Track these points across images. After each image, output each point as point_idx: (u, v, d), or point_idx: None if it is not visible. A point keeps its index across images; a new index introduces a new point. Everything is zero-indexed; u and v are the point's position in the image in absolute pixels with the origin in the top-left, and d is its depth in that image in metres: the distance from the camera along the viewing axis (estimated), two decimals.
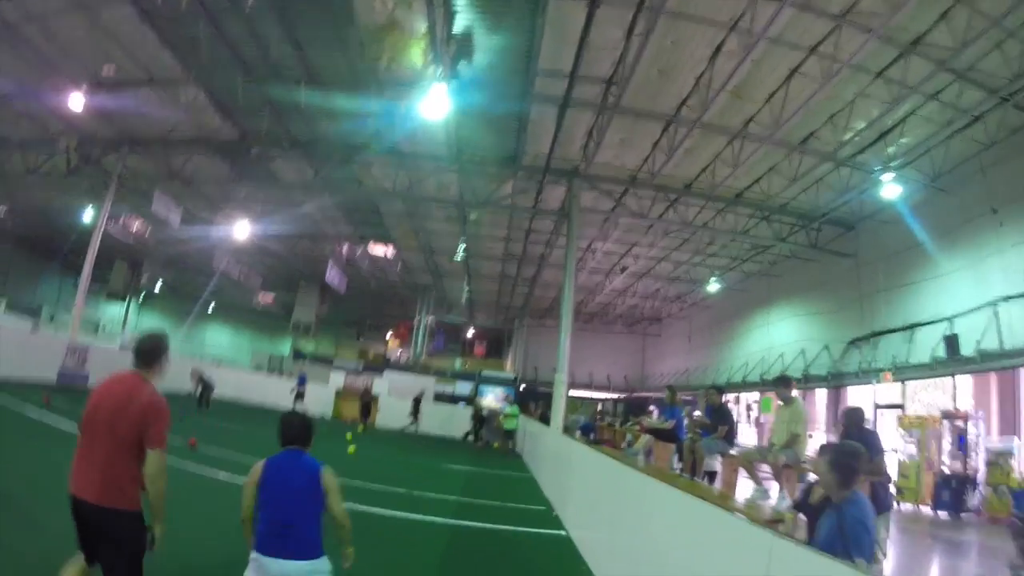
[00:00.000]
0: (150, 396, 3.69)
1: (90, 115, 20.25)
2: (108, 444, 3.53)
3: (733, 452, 9.69)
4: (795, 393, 8.63)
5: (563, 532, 9.39)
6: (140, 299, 52.90)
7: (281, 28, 14.25)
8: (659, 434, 11.28)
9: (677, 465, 11.21)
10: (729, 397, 23.54)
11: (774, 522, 4.88)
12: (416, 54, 13.60)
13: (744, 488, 8.73)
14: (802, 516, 5.02)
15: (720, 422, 9.44)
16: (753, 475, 8.14)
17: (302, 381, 26.53)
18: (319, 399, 28.96)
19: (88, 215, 28.35)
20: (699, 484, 8.78)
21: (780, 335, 25.03)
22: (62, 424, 11.97)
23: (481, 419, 26.36)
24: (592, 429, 21.96)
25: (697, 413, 12.22)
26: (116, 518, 3.52)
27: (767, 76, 13.50)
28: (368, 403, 26.80)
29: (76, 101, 17.92)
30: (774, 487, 7.88)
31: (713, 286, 27.47)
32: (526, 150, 18.09)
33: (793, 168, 16.84)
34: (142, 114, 19.74)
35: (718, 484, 9.55)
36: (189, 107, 18.76)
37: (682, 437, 11.15)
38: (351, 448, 13.18)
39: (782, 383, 8.47)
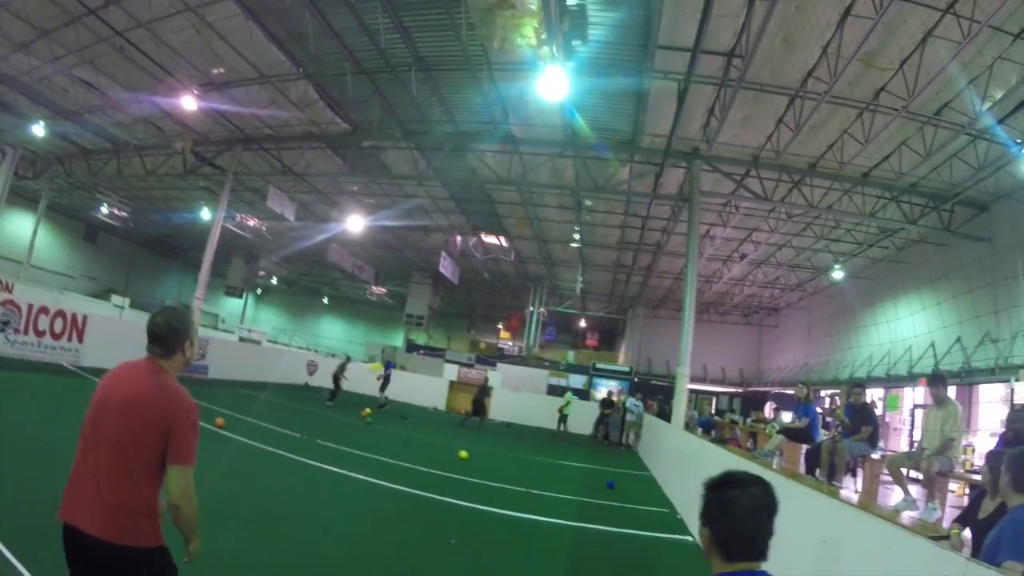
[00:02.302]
0: (172, 393, 2.79)
1: (204, 116, 21.02)
2: (115, 458, 2.62)
3: (876, 456, 8.84)
4: (951, 393, 7.69)
5: (689, 538, 8.79)
6: (258, 293, 55.28)
7: (388, 16, 13.96)
8: (792, 434, 10.48)
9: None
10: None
11: (936, 539, 4.18)
12: (529, 33, 13.07)
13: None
14: (967, 532, 4.38)
15: (863, 422, 8.60)
16: (900, 482, 7.31)
17: (388, 366, 26.41)
18: (434, 390, 29.22)
19: (205, 213, 29.41)
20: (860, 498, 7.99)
21: (907, 327, 23.07)
22: None
23: (605, 414, 25.72)
24: (712, 426, 20.99)
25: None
26: (124, 558, 2.59)
27: (900, 40, 12.31)
28: (482, 400, 25.54)
29: (189, 103, 18.47)
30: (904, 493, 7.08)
31: (837, 274, 25.67)
32: (644, 131, 17.27)
33: (926, 142, 15.32)
34: (254, 112, 20.10)
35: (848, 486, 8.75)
36: (299, 102, 18.93)
37: (816, 437, 10.33)
38: (463, 454, 12.90)
39: (937, 381, 7.58)
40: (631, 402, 24.99)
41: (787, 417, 16.67)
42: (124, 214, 36.26)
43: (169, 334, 2.96)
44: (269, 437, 11.97)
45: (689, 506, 9.71)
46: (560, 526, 8.64)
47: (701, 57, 12.94)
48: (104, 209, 35.54)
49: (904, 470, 7.41)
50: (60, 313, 17.16)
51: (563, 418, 24.80)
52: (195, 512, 2.72)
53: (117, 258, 45.35)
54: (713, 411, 29.02)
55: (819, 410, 11.56)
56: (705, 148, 16.96)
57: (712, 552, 1.89)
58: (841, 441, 8.64)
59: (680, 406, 16.11)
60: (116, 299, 36.73)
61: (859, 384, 10.04)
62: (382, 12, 13.89)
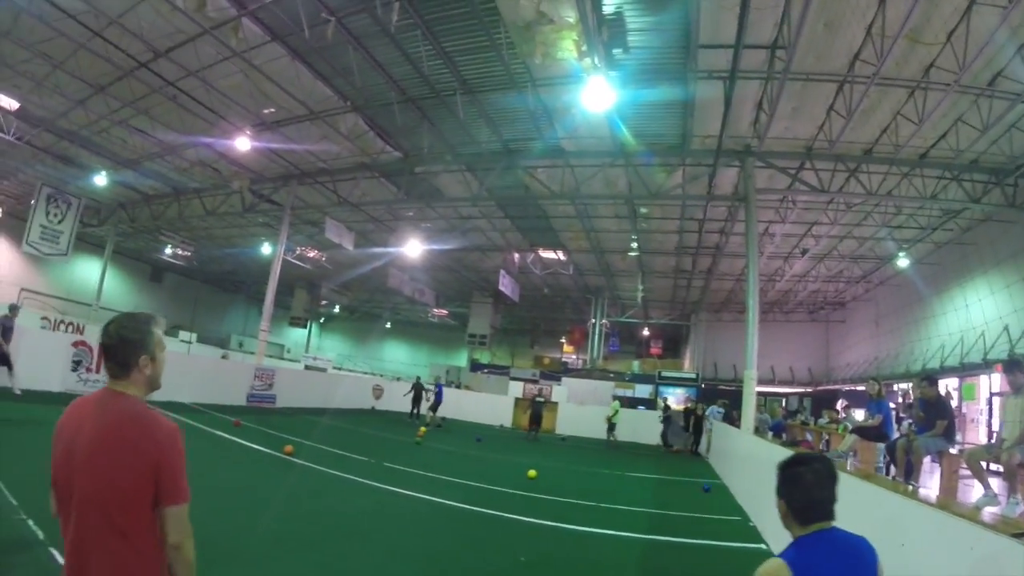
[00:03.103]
0: (145, 424, 2.23)
1: (258, 155, 21.68)
2: (92, 517, 2.11)
3: (954, 451, 8.48)
4: None
5: (763, 546, 8.56)
6: (321, 322, 56.32)
7: (429, 43, 14.17)
8: (865, 433, 10.14)
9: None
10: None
11: (1020, 535, 3.97)
12: (569, 46, 13.06)
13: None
14: None
15: (938, 416, 8.24)
16: (980, 476, 6.98)
17: (439, 388, 26.28)
18: (499, 408, 29.27)
19: (266, 248, 30.14)
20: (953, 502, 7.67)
21: (978, 312, 22.12)
22: (249, 443, 12.98)
23: (668, 419, 25.38)
24: (783, 429, 20.41)
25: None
26: None
27: (944, 12, 11.89)
28: (539, 410, 25.71)
29: (243, 144, 19.21)
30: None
31: (902, 261, 24.77)
32: (694, 133, 17.07)
33: (982, 116, 14.67)
34: (306, 148, 20.63)
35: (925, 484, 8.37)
36: (350, 134, 19.35)
37: (891, 434, 9.97)
38: (532, 473, 12.85)
39: (1014, 367, 7.23)
40: (712, 410, 24.57)
41: (859, 415, 16.19)
42: (187, 253, 37.65)
43: (120, 346, 2.35)
44: (338, 462, 12.12)
45: (762, 513, 9.46)
46: (630, 539, 8.51)
47: (744, 52, 12.79)
48: (168, 250, 37.07)
49: (984, 464, 7.08)
50: None
51: (611, 427, 24.57)
52: (194, 557, 2.25)
53: (183, 296, 47.16)
54: (784, 413, 28.32)
55: (892, 406, 11.09)
56: (756, 144, 16.66)
57: (789, 519, 2.38)
58: (916, 438, 8.31)
59: (748, 410, 15.76)
60: (183, 335, 38.35)
61: (929, 376, 9.62)
62: (423, 41, 14.10)
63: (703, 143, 17.46)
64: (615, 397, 26.28)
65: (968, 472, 7.55)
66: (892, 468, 9.31)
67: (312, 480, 10.26)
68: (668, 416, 25.51)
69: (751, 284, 17.13)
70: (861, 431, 10.24)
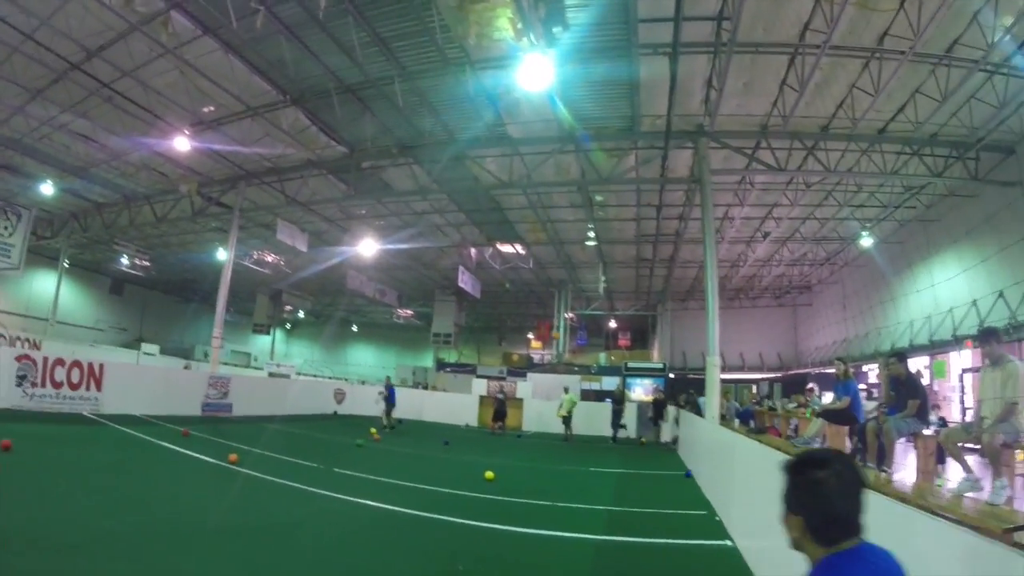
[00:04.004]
0: None
1: (204, 156, 21.11)
2: None
3: (928, 432, 7.95)
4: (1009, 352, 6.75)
5: (728, 542, 7.98)
6: (287, 328, 55.52)
7: (361, 29, 13.61)
8: (833, 416, 9.60)
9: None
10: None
11: (1013, 530, 3.35)
12: (504, 24, 12.42)
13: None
14: None
15: (909, 395, 7.69)
16: (960, 459, 6.43)
17: (391, 391, 24.93)
18: (464, 407, 28.68)
19: (221, 254, 29.43)
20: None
21: (946, 288, 21.93)
22: (195, 453, 12.30)
23: (618, 411, 24.47)
24: (751, 416, 20.04)
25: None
26: None
27: None
28: (501, 407, 25.59)
29: (182, 144, 18.65)
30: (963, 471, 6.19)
31: (865, 241, 24.47)
32: (643, 114, 16.46)
33: (940, 85, 14.29)
34: (250, 146, 19.87)
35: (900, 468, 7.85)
36: (291, 130, 18.69)
37: (860, 417, 9.45)
38: (489, 475, 12.18)
39: (989, 337, 6.66)
40: (703, 400, 24.00)
41: (828, 398, 15.77)
42: (145, 263, 37.27)
43: None
44: (283, 469, 11.38)
45: (728, 506, 8.90)
46: (584, 541, 7.86)
47: (687, 25, 12.32)
48: (125, 260, 36.45)
49: (962, 444, 6.54)
50: (76, 364, 17.00)
51: (567, 420, 23.83)
52: None
53: (144, 307, 46.64)
54: (755, 399, 27.99)
55: (862, 387, 10.58)
56: (708, 123, 16.14)
57: (805, 539, 1.81)
58: (887, 420, 7.74)
59: (713, 398, 15.25)
60: (146, 347, 37.89)
61: (898, 353, 9.09)
62: (355, 27, 13.53)
63: (653, 124, 16.94)
64: (566, 390, 25.36)
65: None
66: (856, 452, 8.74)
67: (250, 488, 9.55)
68: (619, 406, 24.57)
69: (709, 268, 16.67)
70: (828, 414, 9.70)
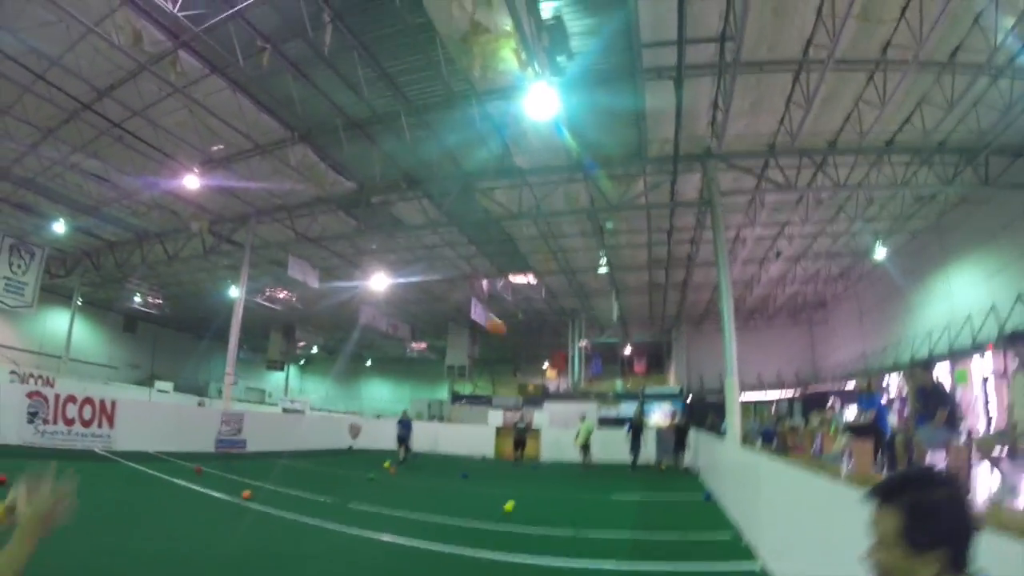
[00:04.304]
0: None
1: (214, 194, 21.26)
2: None
3: (960, 440, 7.73)
4: None
5: (756, 565, 7.72)
6: (300, 364, 55.52)
7: (366, 65, 13.75)
8: (859, 431, 9.38)
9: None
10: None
11: None
12: (509, 55, 12.44)
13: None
14: None
15: (938, 404, 7.50)
16: (996, 465, 6.23)
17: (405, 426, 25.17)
18: (480, 439, 28.43)
19: (234, 291, 29.54)
20: None
21: (964, 295, 21.58)
22: (207, 489, 12.12)
23: (637, 434, 24.01)
24: (773, 435, 19.71)
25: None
26: None
27: None
28: (523, 433, 25.75)
29: (192, 182, 18.65)
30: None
31: (879, 252, 24.11)
32: (650, 139, 16.47)
33: (946, 92, 14.16)
34: (259, 183, 19.98)
35: None
36: (300, 166, 18.70)
37: (886, 430, 9.23)
38: (508, 506, 11.95)
39: (1017, 341, 6.50)
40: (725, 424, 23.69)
41: (850, 414, 15.47)
42: (158, 301, 37.98)
43: None
44: (297, 504, 11.18)
45: (755, 528, 8.65)
46: (608, 571, 7.64)
47: (692, 47, 12.30)
48: (137, 299, 37.15)
49: (997, 451, 6.33)
50: (88, 401, 17.02)
51: (585, 449, 23.60)
52: None
53: (158, 345, 46.84)
54: (775, 418, 27.62)
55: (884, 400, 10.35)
56: (716, 145, 16.07)
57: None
58: (916, 431, 7.53)
59: (734, 419, 14.98)
60: (160, 384, 38.04)
61: (923, 363, 8.90)
62: (360, 63, 13.65)
63: (661, 148, 16.94)
64: (583, 418, 25.06)
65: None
66: (886, 467, 8.52)
67: (262, 524, 9.37)
68: (636, 430, 24.19)
69: (724, 289, 16.48)
70: (854, 429, 9.47)
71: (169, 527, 8.65)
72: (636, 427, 24.23)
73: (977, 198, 19.30)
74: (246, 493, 11.47)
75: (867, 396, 9.41)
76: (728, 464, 12.96)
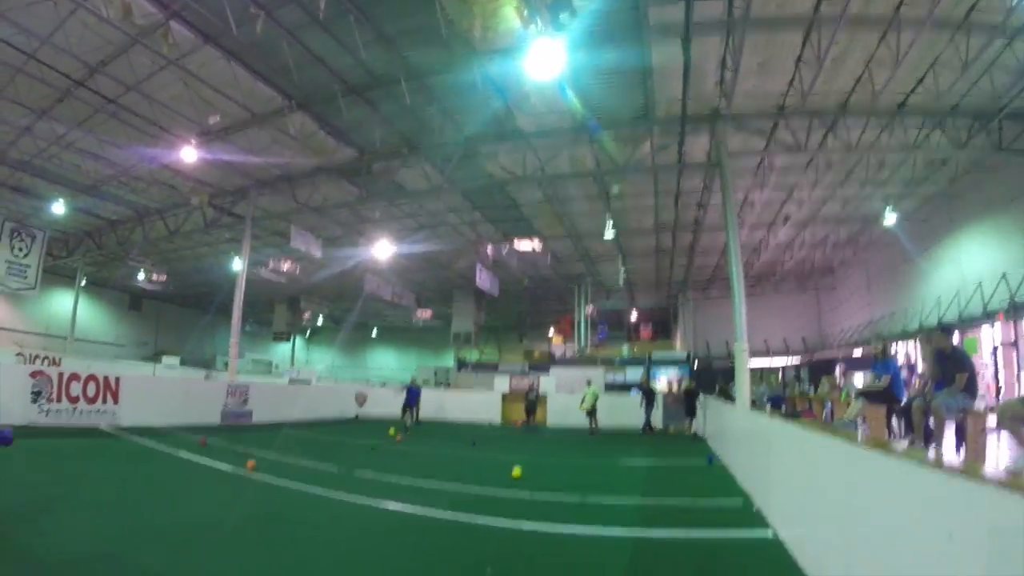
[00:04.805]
0: None
1: (213, 167, 21.12)
2: None
3: (979, 407, 7.54)
4: None
5: (768, 532, 7.59)
6: (307, 335, 55.60)
7: (363, 28, 13.39)
8: (873, 396, 9.18)
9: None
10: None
11: None
12: (510, 13, 12.10)
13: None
14: None
15: (957, 369, 7.29)
16: (1017, 434, 6.03)
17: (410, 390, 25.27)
18: (487, 405, 28.40)
19: (237, 264, 29.45)
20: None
21: (974, 262, 21.46)
22: (211, 461, 11.99)
23: (650, 399, 24.07)
24: (782, 401, 19.57)
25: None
26: None
27: None
28: (533, 402, 25.84)
29: (189, 155, 18.36)
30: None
31: (889, 217, 23.76)
32: (657, 99, 16.09)
33: (961, 53, 13.84)
34: (258, 155, 19.80)
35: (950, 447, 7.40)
36: (299, 135, 18.41)
37: (901, 396, 9.04)
38: (516, 472, 11.83)
39: None
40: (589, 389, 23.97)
41: (859, 380, 15.31)
42: (162, 278, 37.91)
43: None
44: (302, 474, 11.09)
45: (767, 495, 8.50)
46: (617, 538, 7.50)
47: (698, 5, 11.97)
48: (141, 276, 36.97)
49: (1019, 420, 6.13)
50: (92, 378, 16.88)
51: (591, 413, 23.41)
52: None
53: (165, 322, 47.64)
54: (782, 384, 27.52)
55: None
56: (725, 105, 15.71)
57: None
58: (935, 397, 7.34)
59: (743, 384, 14.83)
60: (167, 359, 38.19)
61: (944, 327, 8.70)
62: (357, 26, 13.28)
63: (668, 110, 16.56)
64: (589, 383, 25.00)
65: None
66: (901, 433, 8.33)
67: (266, 494, 9.26)
68: (649, 395, 24.24)
69: (732, 252, 16.28)
70: (869, 395, 9.28)
71: (171, 500, 8.53)
72: (646, 391, 24.29)
73: (989, 164, 19.00)
74: (250, 464, 11.36)
75: (882, 361, 9.20)
76: (737, 430, 12.81)
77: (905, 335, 24.89)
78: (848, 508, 4.89)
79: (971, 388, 7.37)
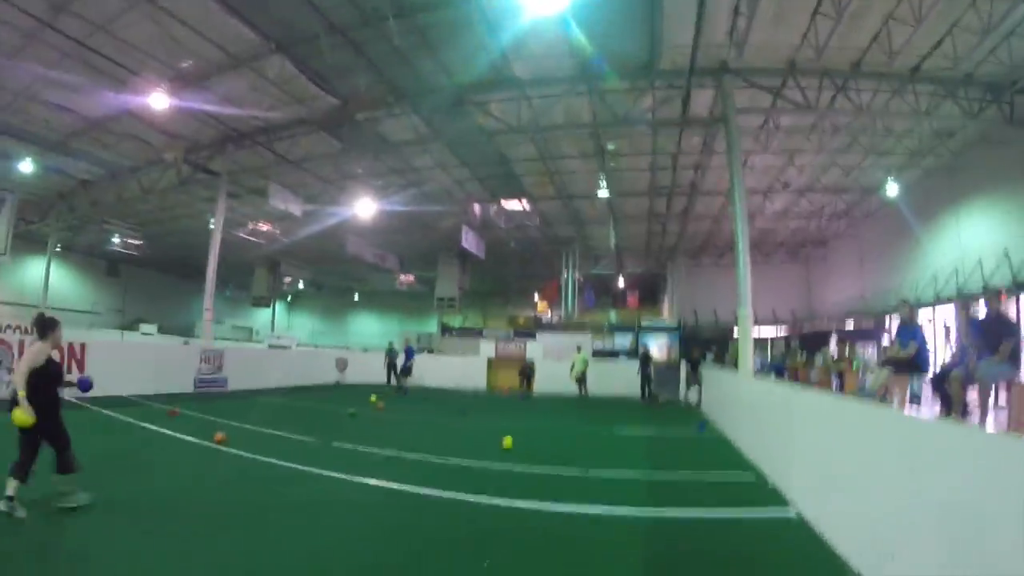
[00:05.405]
0: None
1: (188, 119, 19.95)
2: None
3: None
4: None
5: (789, 511, 6.91)
6: (288, 300, 54.69)
7: None
8: (900, 365, 8.46)
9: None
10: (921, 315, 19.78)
11: None
12: None
13: None
14: None
15: (1002, 336, 6.56)
16: None
17: (409, 355, 25.39)
18: (472, 371, 27.83)
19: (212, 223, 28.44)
20: None
21: (975, 238, 20.68)
22: (180, 434, 11.11)
23: (644, 366, 23.67)
24: (783, 370, 19.01)
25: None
26: None
27: None
28: (528, 372, 25.73)
29: (160, 101, 17.15)
30: None
31: (891, 189, 22.95)
32: (662, 46, 14.98)
33: (982, 17, 13.01)
34: (235, 103, 18.60)
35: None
36: (279, 81, 17.31)
37: (925, 366, 8.34)
38: (507, 442, 11.10)
39: None
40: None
41: (869, 351, 14.71)
42: (139, 242, 36.88)
43: None
44: (275, 446, 10.30)
45: (785, 470, 7.80)
46: (627, 518, 6.77)
47: None
48: (117, 240, 36.04)
49: None
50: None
51: (580, 381, 23.26)
52: None
53: (143, 288, 46.15)
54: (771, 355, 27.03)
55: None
56: (735, 57, 14.83)
57: None
58: (977, 366, 6.60)
59: (747, 352, 14.19)
60: (145, 327, 37.76)
61: (991, 290, 7.96)
62: None
63: (674, 61, 15.56)
64: (579, 349, 24.52)
65: None
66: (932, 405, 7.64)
67: (234, 470, 8.52)
68: (644, 362, 23.79)
69: (738, 213, 15.57)
70: (895, 363, 8.55)
71: (131, 476, 7.83)
72: (644, 359, 23.98)
73: (998, 137, 18.25)
74: (218, 436, 10.54)
75: (909, 328, 8.49)
76: (744, 399, 12.09)
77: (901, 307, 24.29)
78: (883, 480, 4.58)
79: (1015, 357, 6.68)
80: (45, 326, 6.42)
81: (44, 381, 6.13)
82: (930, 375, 9.15)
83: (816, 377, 17.29)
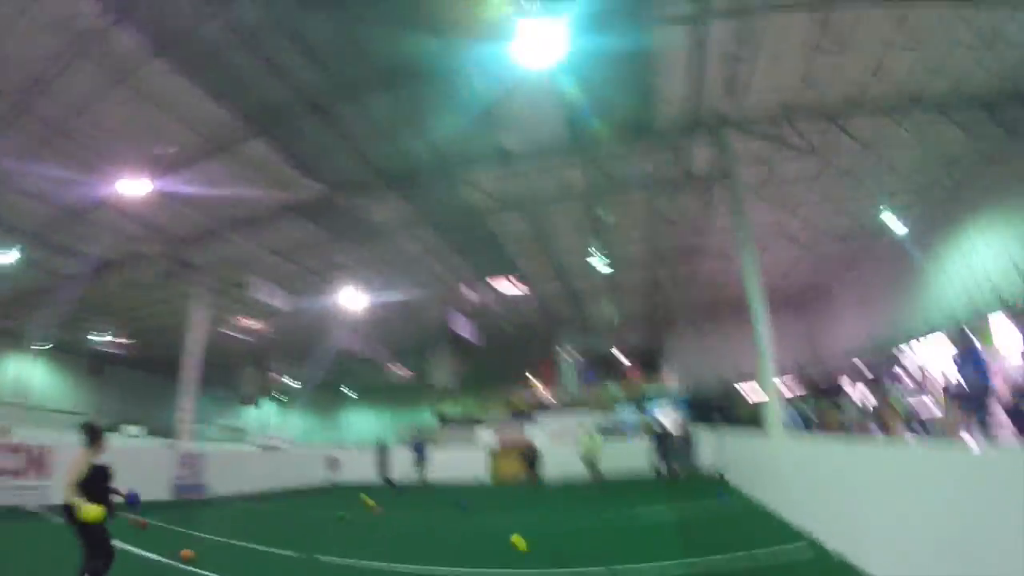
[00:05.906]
0: None
1: (167, 212, 19.33)
2: None
3: None
4: None
5: None
6: (280, 399, 53.28)
7: (332, 25, 11.75)
8: (967, 400, 7.24)
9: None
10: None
11: None
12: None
13: None
14: None
15: None
16: None
17: (419, 449, 24.33)
18: (473, 461, 26.47)
19: (194, 315, 27.36)
20: None
21: (982, 258, 19.73)
22: (144, 552, 9.47)
23: (661, 440, 22.41)
24: (810, 421, 17.83)
25: None
26: None
27: None
28: (532, 457, 24.42)
29: (137, 189, 16.49)
30: None
31: (895, 226, 21.92)
32: (657, 100, 14.37)
33: (974, 33, 12.64)
34: (215, 192, 17.77)
35: None
36: (260, 165, 16.65)
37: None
38: (520, 543, 9.56)
39: None
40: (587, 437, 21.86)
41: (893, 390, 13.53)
42: (124, 341, 35.91)
43: None
44: (250, 564, 8.87)
45: (846, 533, 6.52)
46: None
47: None
48: (96, 338, 35.00)
49: None
50: (17, 448, 14.66)
51: (592, 465, 21.09)
52: None
53: (128, 388, 44.35)
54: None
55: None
56: (734, 109, 14.39)
57: None
58: None
59: (775, 412, 13.08)
60: (130, 429, 35.50)
61: None
62: (327, 22, 11.73)
63: (670, 119, 15.05)
64: (584, 427, 22.94)
65: None
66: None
67: None
68: (662, 437, 22.52)
69: (749, 268, 15.38)
70: (963, 398, 7.32)
71: None
72: (661, 436, 22.88)
73: (999, 157, 17.71)
74: (185, 553, 9.12)
75: (967, 355, 7.26)
76: (783, 461, 10.73)
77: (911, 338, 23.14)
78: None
79: None
80: (94, 432, 6.59)
81: (93, 487, 6.19)
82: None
83: (848, 425, 16.04)
